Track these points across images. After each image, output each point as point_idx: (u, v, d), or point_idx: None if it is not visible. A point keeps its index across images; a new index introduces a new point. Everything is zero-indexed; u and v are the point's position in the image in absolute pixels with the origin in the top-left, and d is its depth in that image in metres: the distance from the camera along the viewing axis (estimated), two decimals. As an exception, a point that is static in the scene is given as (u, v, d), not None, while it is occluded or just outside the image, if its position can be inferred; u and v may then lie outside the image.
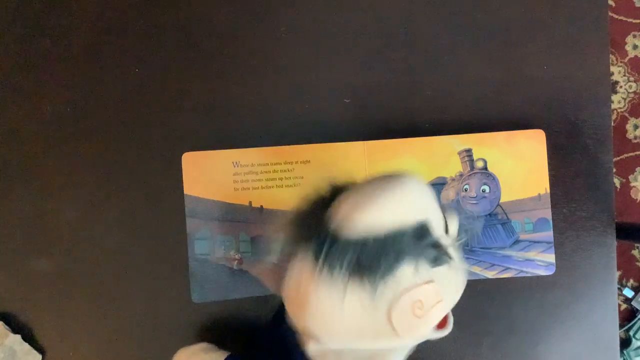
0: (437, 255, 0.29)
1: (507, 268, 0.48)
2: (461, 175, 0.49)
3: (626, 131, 1.09)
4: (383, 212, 0.28)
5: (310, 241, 0.29)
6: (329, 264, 0.27)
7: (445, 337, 0.49)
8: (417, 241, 0.28)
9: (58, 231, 0.49)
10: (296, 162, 0.48)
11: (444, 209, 0.32)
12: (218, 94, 0.50)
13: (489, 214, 0.48)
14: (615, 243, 0.49)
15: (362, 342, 0.29)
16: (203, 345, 0.44)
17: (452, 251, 0.31)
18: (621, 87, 1.09)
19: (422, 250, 0.28)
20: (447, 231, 0.32)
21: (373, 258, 0.27)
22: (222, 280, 0.47)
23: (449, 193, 0.48)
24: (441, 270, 0.29)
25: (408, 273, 0.28)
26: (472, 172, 0.49)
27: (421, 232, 0.28)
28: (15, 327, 0.48)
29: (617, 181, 1.08)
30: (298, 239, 0.30)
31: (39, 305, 0.49)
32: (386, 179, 0.29)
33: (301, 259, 0.29)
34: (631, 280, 1.08)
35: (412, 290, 0.28)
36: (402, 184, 0.29)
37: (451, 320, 0.32)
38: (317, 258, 0.28)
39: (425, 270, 0.29)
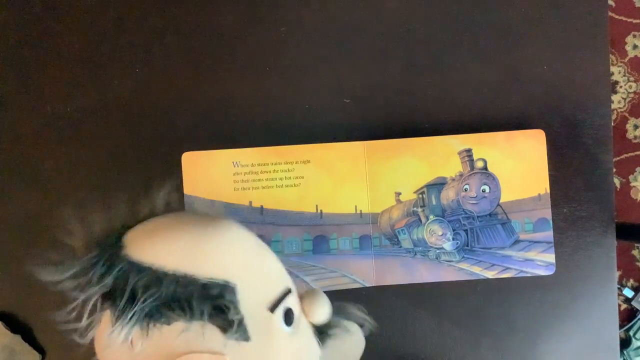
0: (232, 326, 0.24)
1: (507, 268, 0.48)
2: (461, 175, 0.49)
3: (626, 131, 1.09)
4: (173, 247, 0.24)
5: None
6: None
7: (445, 337, 0.49)
8: (204, 300, 0.24)
9: (58, 231, 0.49)
10: (296, 162, 0.48)
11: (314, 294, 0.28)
12: (218, 93, 0.50)
13: (489, 214, 0.48)
14: (615, 243, 0.49)
15: None
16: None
17: (277, 333, 0.26)
18: (621, 87, 1.09)
19: (211, 312, 0.24)
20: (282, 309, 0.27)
21: (150, 295, 0.23)
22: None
23: (449, 193, 0.48)
24: (246, 346, 0.25)
25: (181, 329, 0.23)
26: (472, 172, 0.49)
27: (213, 291, 0.24)
28: (15, 327, 0.48)
29: (617, 181, 1.08)
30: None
31: (38, 305, 0.48)
32: (200, 219, 0.26)
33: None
34: (631, 280, 1.08)
35: (188, 355, 0.23)
36: (215, 229, 0.25)
37: None
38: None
39: (215, 337, 0.24)
